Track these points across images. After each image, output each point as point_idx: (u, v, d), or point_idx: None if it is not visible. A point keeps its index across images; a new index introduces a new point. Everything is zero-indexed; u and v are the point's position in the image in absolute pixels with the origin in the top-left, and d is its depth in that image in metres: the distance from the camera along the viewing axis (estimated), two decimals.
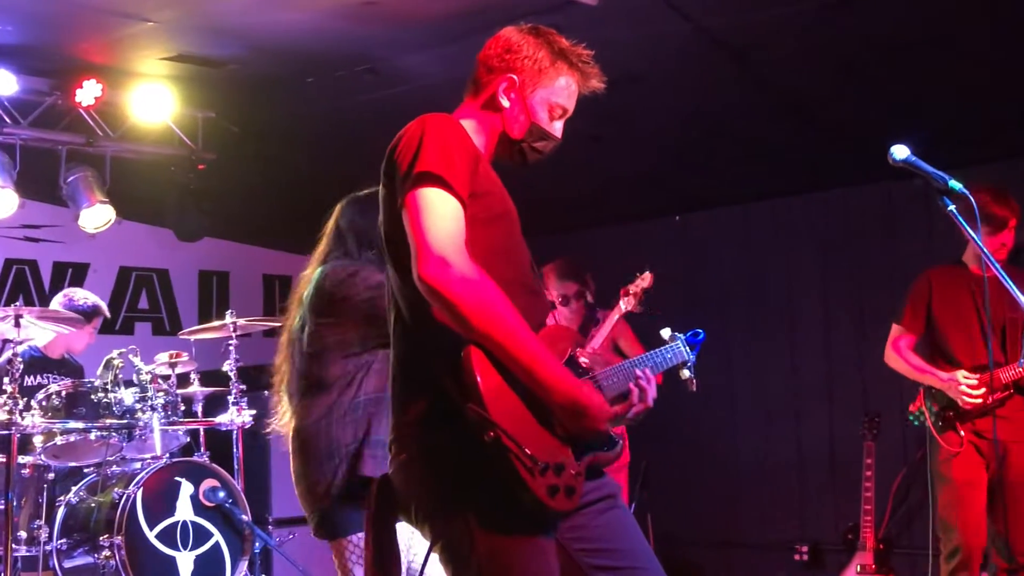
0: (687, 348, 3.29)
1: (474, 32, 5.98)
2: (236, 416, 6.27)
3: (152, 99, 6.95)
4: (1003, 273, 2.95)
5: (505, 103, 2.95)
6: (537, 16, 5.74)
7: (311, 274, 4.21)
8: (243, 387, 6.30)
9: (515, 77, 2.94)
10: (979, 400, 5.23)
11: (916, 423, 5.55)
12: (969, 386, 5.24)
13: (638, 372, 2.98)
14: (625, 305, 6.09)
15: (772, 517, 8.21)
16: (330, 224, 4.34)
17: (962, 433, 5.31)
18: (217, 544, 5.91)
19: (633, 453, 6.55)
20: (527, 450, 2.54)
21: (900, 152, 3.07)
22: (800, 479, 8.11)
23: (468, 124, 2.95)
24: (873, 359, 6.35)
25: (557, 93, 2.97)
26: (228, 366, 6.30)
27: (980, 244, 3.00)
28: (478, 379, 2.57)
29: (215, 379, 6.57)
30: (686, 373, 3.31)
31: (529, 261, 2.95)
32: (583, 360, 2.94)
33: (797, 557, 7.92)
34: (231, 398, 6.30)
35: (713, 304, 8.36)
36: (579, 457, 2.73)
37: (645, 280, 6.09)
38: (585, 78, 3.01)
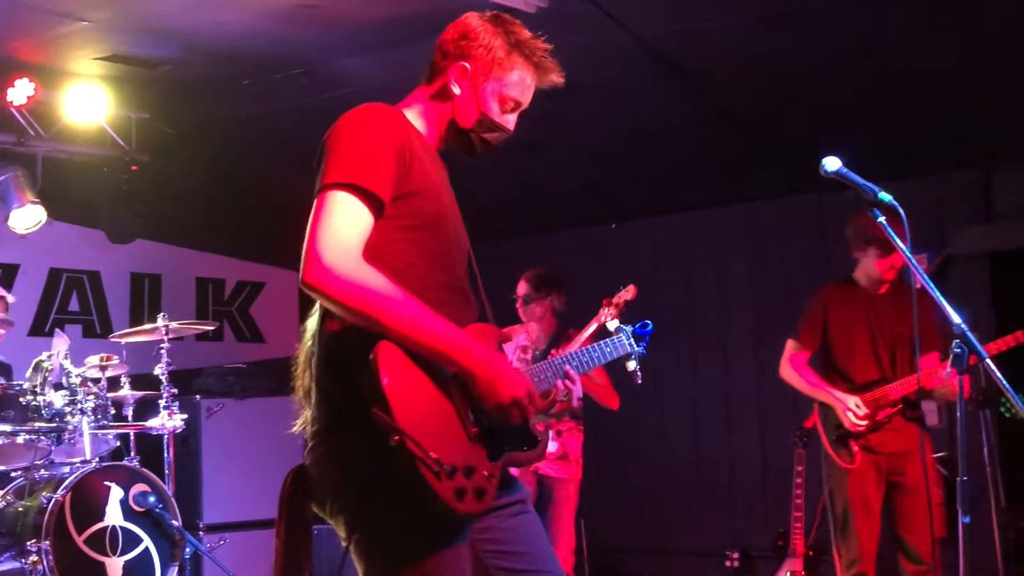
0: (631, 341, 3.29)
1: (410, 37, 6.00)
2: (167, 420, 6.20)
3: (86, 99, 6.87)
4: (931, 283, 3.00)
5: (456, 91, 2.90)
6: None
7: None
8: (174, 391, 6.25)
9: (468, 65, 2.89)
10: (863, 424, 5.42)
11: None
12: (856, 415, 5.42)
13: (567, 369, 2.98)
14: (606, 316, 6.12)
15: (705, 524, 8.27)
16: None
17: (855, 449, 5.49)
18: (147, 550, 5.83)
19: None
20: (432, 454, 2.50)
21: (832, 164, 3.11)
22: (732, 487, 8.19)
23: (417, 109, 2.92)
24: None
25: (510, 86, 2.91)
26: (160, 370, 6.24)
27: (909, 255, 3.05)
28: (384, 381, 2.52)
29: (146, 383, 6.50)
30: (631, 365, 3.30)
31: (464, 263, 2.91)
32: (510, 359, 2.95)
33: (728, 564, 8.00)
34: (162, 402, 6.23)
35: (648, 313, 8.36)
36: (494, 457, 2.71)
37: (628, 293, 6.12)
38: (542, 72, 2.96)
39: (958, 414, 3.08)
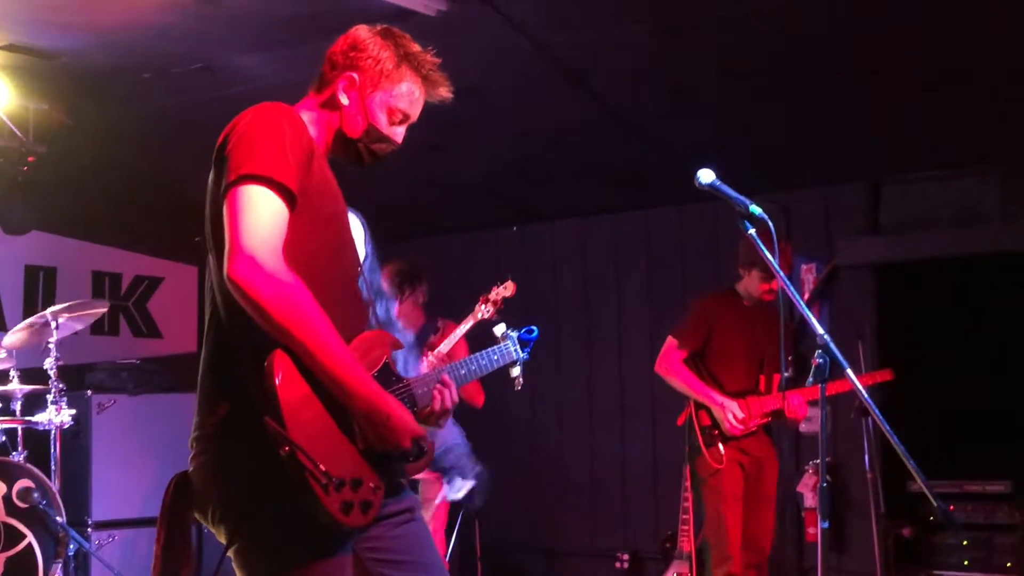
0: (518, 347, 3.32)
1: (312, 36, 6.00)
2: (55, 415, 6.14)
3: None
4: (798, 297, 3.09)
5: (344, 101, 2.91)
6: (377, 24, 5.81)
7: None
8: (62, 386, 6.18)
9: (356, 76, 2.90)
10: (740, 429, 5.76)
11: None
12: (736, 418, 5.74)
13: (444, 377, 3.00)
14: (483, 313, 6.09)
15: (596, 525, 8.37)
16: None
17: (723, 450, 5.80)
18: (30, 546, 5.78)
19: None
20: (322, 467, 2.51)
21: (706, 176, 3.19)
22: (623, 489, 8.29)
23: (307, 117, 2.92)
24: None
25: (398, 98, 2.93)
26: (48, 364, 6.17)
27: (777, 268, 3.14)
28: (278, 390, 2.52)
29: (36, 377, 6.42)
30: (515, 371, 3.34)
31: (355, 265, 2.93)
32: (398, 367, 2.96)
33: (618, 565, 8.11)
34: (50, 397, 6.17)
35: (546, 315, 8.49)
36: (382, 470, 2.71)
37: (507, 289, 6.10)
38: (431, 86, 2.99)
39: (820, 423, 3.18)
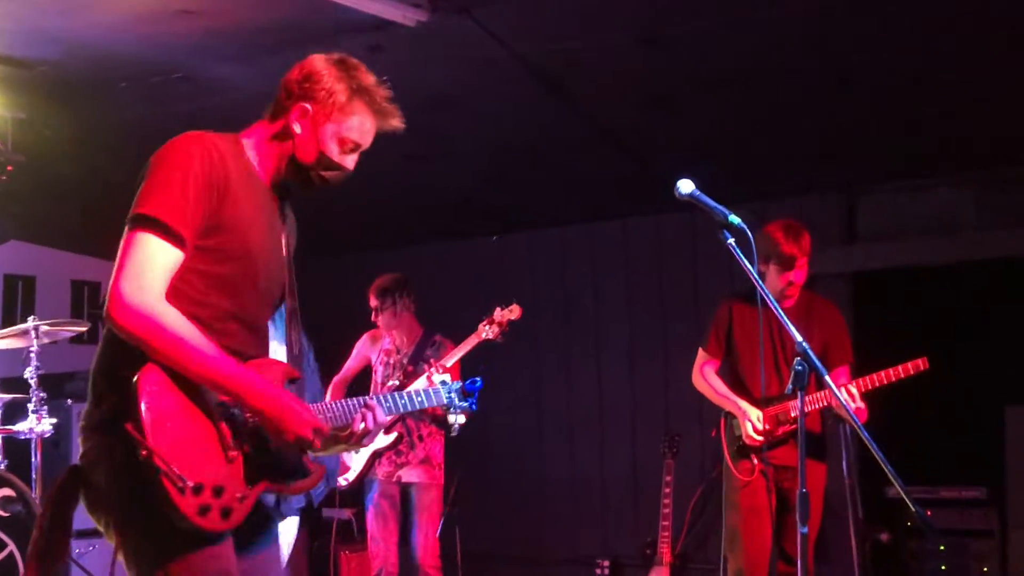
0: (452, 395, 3.39)
1: (291, 46, 6.00)
2: (36, 424, 6.13)
3: None
4: (777, 307, 3.13)
5: (297, 130, 3.01)
6: (356, 34, 5.83)
7: None
8: (43, 395, 6.17)
9: (309, 107, 3.00)
10: (759, 441, 5.48)
11: None
12: (755, 428, 5.48)
13: (369, 401, 3.09)
14: (486, 333, 6.17)
15: (576, 533, 8.40)
16: None
17: (755, 462, 5.55)
18: (12, 554, 5.77)
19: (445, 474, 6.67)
20: (177, 470, 2.64)
21: (685, 187, 3.23)
22: (603, 496, 8.32)
23: (257, 141, 3.03)
24: (675, 381, 6.59)
25: (349, 129, 3.03)
26: (29, 373, 6.16)
27: (756, 278, 3.17)
28: (141, 400, 2.67)
29: (16, 386, 6.41)
30: (453, 419, 3.43)
31: (267, 301, 3.04)
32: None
33: (599, 572, 8.13)
34: (31, 406, 6.16)
35: (526, 324, 8.50)
36: (251, 482, 2.83)
37: (513, 313, 6.18)
38: (383, 118, 3.08)
39: (799, 428, 3.22)
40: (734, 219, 3.16)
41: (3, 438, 6.28)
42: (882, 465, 3.07)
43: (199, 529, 2.69)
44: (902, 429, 6.46)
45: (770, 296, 3.20)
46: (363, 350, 6.93)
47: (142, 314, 2.70)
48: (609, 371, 8.37)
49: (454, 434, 3.48)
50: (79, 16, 5.76)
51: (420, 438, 6.50)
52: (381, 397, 3.17)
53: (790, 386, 2.98)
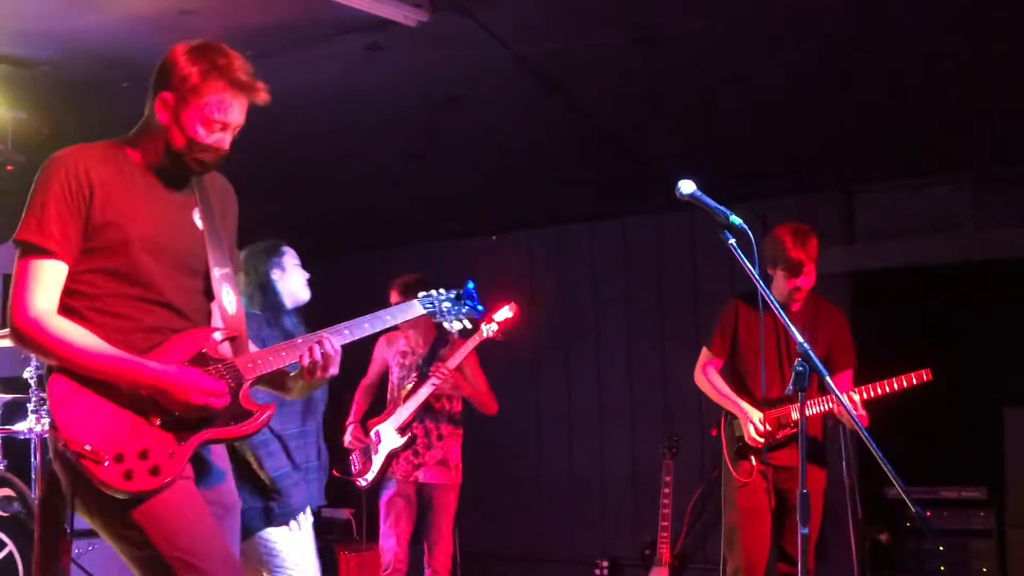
0: (444, 303, 3.55)
1: (292, 45, 6.02)
2: (35, 424, 6.13)
3: None
4: (779, 309, 3.14)
5: (163, 119, 3.16)
6: (357, 34, 5.84)
7: None
8: (43, 395, 6.17)
9: (168, 96, 3.14)
10: (760, 442, 5.49)
11: None
12: (757, 430, 5.48)
13: (324, 335, 3.25)
14: (488, 332, 6.25)
15: (575, 533, 8.40)
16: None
17: (754, 462, 5.56)
18: (11, 555, 5.77)
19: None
20: (89, 447, 2.93)
21: (686, 187, 3.23)
22: (602, 496, 8.33)
23: (138, 137, 3.23)
24: (674, 380, 6.59)
25: (208, 108, 3.14)
26: (28, 373, 6.16)
27: (757, 279, 3.18)
28: (50, 397, 3.01)
29: (16, 386, 6.41)
30: (447, 325, 3.56)
31: (174, 276, 3.19)
32: (219, 353, 3.20)
33: (598, 572, 8.13)
34: (31, 406, 6.16)
35: (524, 322, 8.53)
36: (181, 439, 3.06)
37: (511, 310, 6.28)
38: (244, 91, 3.18)
39: (800, 428, 3.23)
40: (735, 219, 3.17)
41: (3, 438, 6.28)
42: (882, 465, 3.07)
43: (132, 492, 2.95)
44: (901, 430, 6.46)
45: (771, 297, 3.21)
46: (380, 353, 6.96)
47: (31, 328, 3.02)
48: (608, 371, 8.37)
49: (454, 332, 3.56)
50: (80, 16, 5.76)
51: (439, 438, 6.53)
52: (341, 325, 3.32)
53: (791, 387, 2.98)
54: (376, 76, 6.35)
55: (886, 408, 6.62)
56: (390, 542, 6.66)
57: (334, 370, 3.26)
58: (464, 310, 3.52)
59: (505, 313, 6.30)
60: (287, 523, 4.55)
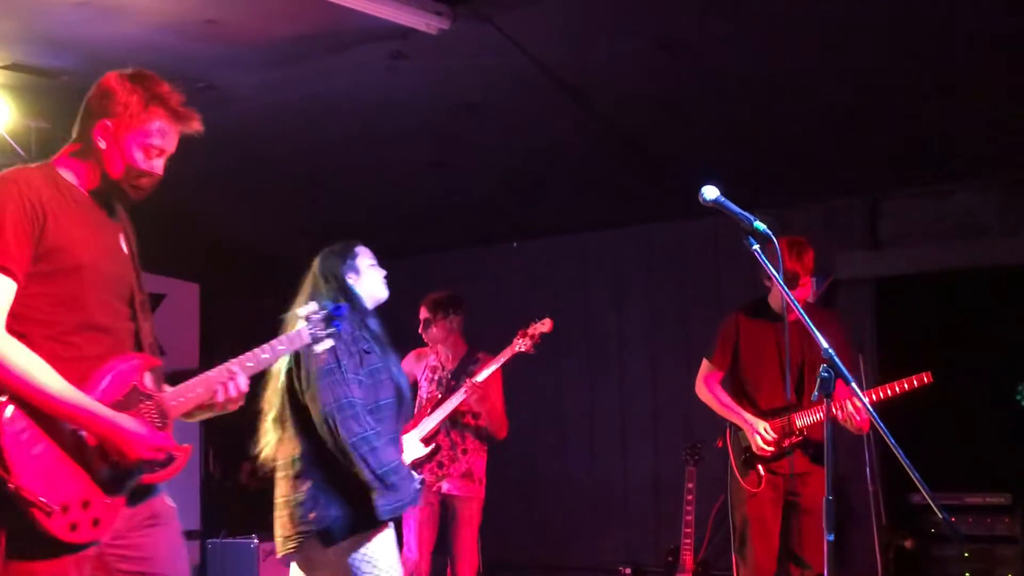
0: (317, 327, 3.63)
1: (314, 55, 6.05)
2: None
3: None
4: (804, 314, 3.12)
5: (102, 145, 3.18)
6: (379, 43, 5.86)
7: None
8: None
9: (109, 123, 3.17)
10: (768, 451, 5.53)
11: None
12: (764, 439, 5.53)
13: (236, 371, 3.31)
14: (520, 346, 6.24)
15: (599, 541, 8.38)
16: (311, 270, 4.74)
17: (761, 472, 5.61)
18: None
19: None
20: (43, 498, 2.91)
21: (710, 193, 3.22)
22: (625, 503, 8.31)
23: (70, 162, 3.22)
24: None
25: (151, 136, 3.20)
26: None
27: (782, 284, 3.18)
28: (7, 431, 2.92)
29: None
30: (318, 348, 3.65)
31: (113, 303, 3.22)
32: (148, 387, 3.21)
33: None
34: None
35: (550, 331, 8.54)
36: (118, 488, 3.08)
37: (545, 325, 6.26)
38: (181, 121, 3.25)
39: (825, 435, 3.22)
40: (759, 225, 3.16)
41: None
42: (908, 471, 3.06)
43: (71, 545, 2.98)
44: (925, 435, 6.43)
45: (795, 302, 3.20)
46: (408, 367, 6.96)
47: None
48: (631, 378, 8.36)
49: (322, 363, 3.75)
50: (102, 25, 5.80)
51: (464, 451, 6.52)
52: (244, 358, 3.36)
53: (815, 392, 2.97)
54: (399, 84, 6.37)
55: (910, 412, 6.60)
56: (412, 551, 6.67)
57: (238, 405, 3.36)
58: (329, 331, 3.64)
59: (540, 328, 6.28)
60: (393, 518, 4.50)
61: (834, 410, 5.37)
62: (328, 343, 3.65)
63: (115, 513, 3.08)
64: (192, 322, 9.16)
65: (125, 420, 3.06)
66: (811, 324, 3.13)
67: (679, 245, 8.19)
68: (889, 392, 5.42)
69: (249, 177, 7.90)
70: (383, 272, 4.84)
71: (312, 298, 4.49)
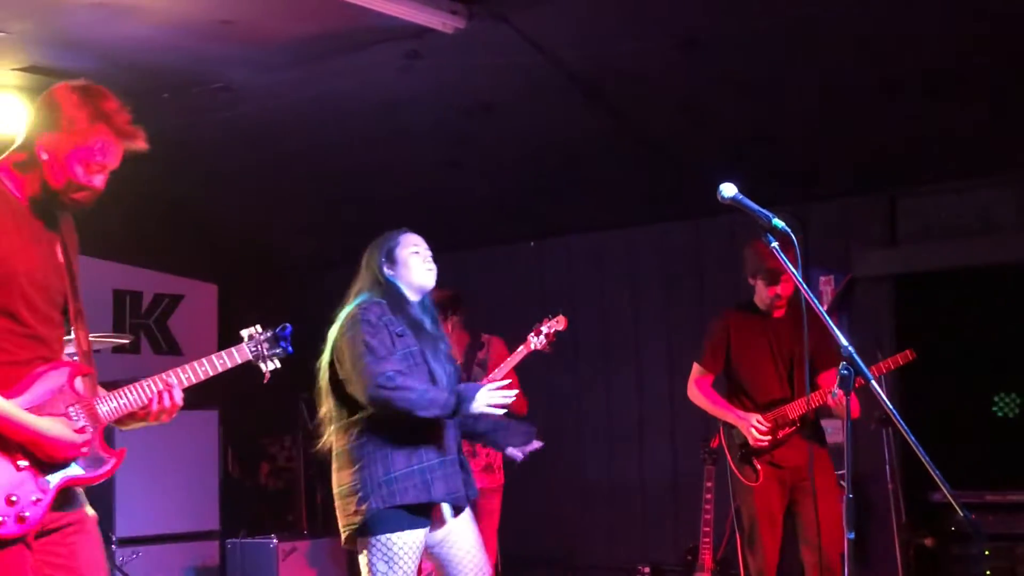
0: (262, 345, 3.64)
1: (330, 54, 6.06)
2: None
3: (4, 110, 6.83)
4: (819, 307, 3.12)
5: (44, 157, 3.19)
6: (395, 42, 5.87)
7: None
8: None
9: (53, 135, 3.18)
10: (766, 440, 5.64)
11: None
12: (759, 430, 5.64)
13: (172, 383, 3.38)
14: (535, 344, 6.22)
15: (616, 539, 8.37)
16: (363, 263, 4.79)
17: (759, 467, 5.71)
18: None
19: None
20: None
21: (728, 190, 3.22)
22: (644, 502, 8.30)
23: (10, 170, 3.25)
24: (715, 387, 6.54)
25: (92, 152, 3.20)
26: None
27: (800, 280, 3.16)
28: None
29: None
30: (263, 367, 3.65)
31: (36, 312, 3.23)
32: (79, 390, 3.27)
33: None
34: None
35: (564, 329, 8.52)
36: (43, 486, 3.13)
37: (560, 323, 6.22)
38: (126, 139, 3.25)
39: (844, 432, 3.21)
40: (778, 223, 3.15)
41: None
42: (928, 469, 3.05)
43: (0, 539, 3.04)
44: (945, 433, 6.41)
45: (815, 299, 3.18)
46: None
47: None
48: (648, 376, 8.34)
49: (264, 381, 3.67)
50: (118, 27, 5.82)
51: (484, 445, 6.53)
52: (181, 369, 3.42)
53: (835, 390, 2.97)
54: (414, 84, 6.37)
55: (929, 409, 6.58)
56: None
57: (171, 418, 3.41)
58: (277, 351, 3.67)
59: (555, 325, 6.26)
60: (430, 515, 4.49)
61: (829, 399, 5.47)
62: (275, 364, 3.67)
63: (42, 511, 3.12)
64: (211, 323, 9.19)
65: (45, 423, 3.12)
66: (827, 318, 3.13)
67: (697, 244, 8.17)
68: (876, 373, 5.49)
69: (266, 177, 7.92)
70: (428, 259, 4.81)
71: (357, 289, 4.64)
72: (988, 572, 6.69)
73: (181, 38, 5.89)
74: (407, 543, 4.42)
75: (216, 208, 8.53)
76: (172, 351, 9.08)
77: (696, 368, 6.01)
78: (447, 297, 6.65)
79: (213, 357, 3.51)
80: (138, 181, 7.91)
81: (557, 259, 8.89)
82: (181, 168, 7.84)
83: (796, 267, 3.15)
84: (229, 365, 3.58)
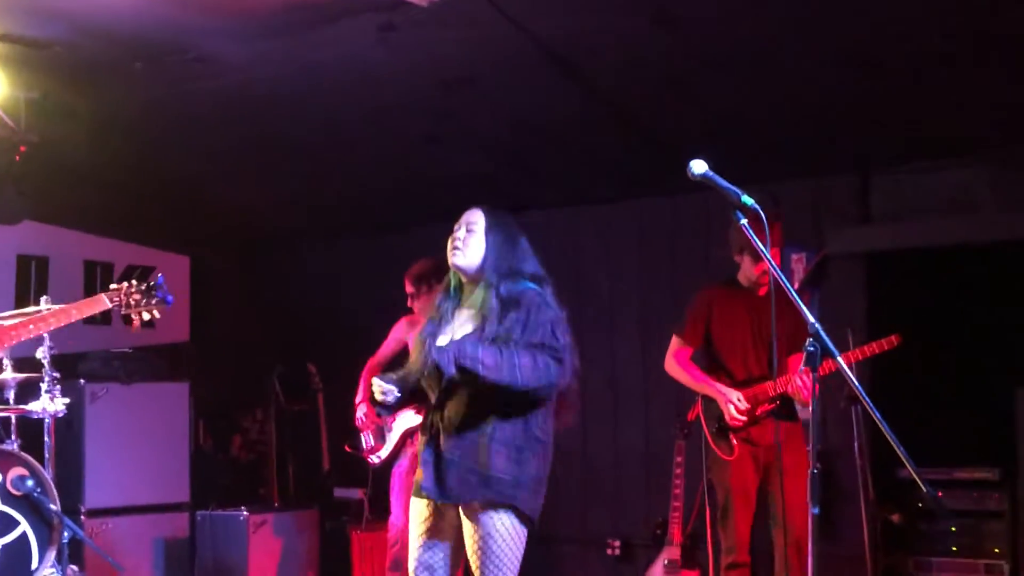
0: (126, 297, 3.88)
1: (305, 26, 6.02)
2: (48, 404, 6.13)
3: None
4: (789, 287, 3.13)
5: None
6: (370, 14, 5.83)
7: None
8: (56, 375, 6.18)
9: None
10: (741, 420, 5.71)
11: None
12: (737, 408, 5.70)
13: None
14: None
15: (587, 513, 8.41)
16: None
17: (734, 442, 5.79)
18: (24, 534, 5.79)
19: None
20: None
21: (698, 167, 3.23)
22: (615, 476, 8.33)
23: None
24: None
25: None
26: (41, 353, 6.17)
27: (769, 258, 3.18)
28: None
29: (29, 366, 6.42)
30: (146, 316, 3.83)
31: None
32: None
33: (610, 552, 8.16)
34: (44, 386, 6.16)
35: None
36: None
37: None
38: None
39: (811, 409, 3.22)
40: (747, 200, 3.17)
41: (16, 418, 6.29)
42: (893, 445, 3.07)
43: None
44: (914, 410, 6.45)
45: (782, 275, 3.20)
46: (399, 334, 6.97)
47: None
48: (621, 352, 8.36)
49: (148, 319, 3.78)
50: None
51: None
52: (31, 320, 3.46)
53: (802, 366, 2.99)
54: (390, 57, 6.34)
55: (899, 387, 6.62)
56: (399, 517, 6.69)
57: None
58: (154, 302, 3.70)
59: None
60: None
61: (790, 387, 5.53)
62: (151, 315, 3.70)
63: None
64: (182, 295, 9.14)
65: None
66: (796, 297, 3.14)
67: (672, 219, 8.18)
68: (860, 356, 5.55)
69: (240, 150, 7.87)
70: (456, 238, 4.80)
71: None
72: (954, 548, 6.75)
73: (155, 7, 5.84)
74: None
75: (188, 179, 8.47)
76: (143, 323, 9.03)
77: (675, 340, 6.02)
78: (428, 267, 6.66)
79: (71, 306, 3.51)
80: (111, 150, 7.92)
81: (532, 233, 8.85)
82: (154, 139, 7.79)
83: (766, 245, 3.15)
84: (90, 313, 3.57)
